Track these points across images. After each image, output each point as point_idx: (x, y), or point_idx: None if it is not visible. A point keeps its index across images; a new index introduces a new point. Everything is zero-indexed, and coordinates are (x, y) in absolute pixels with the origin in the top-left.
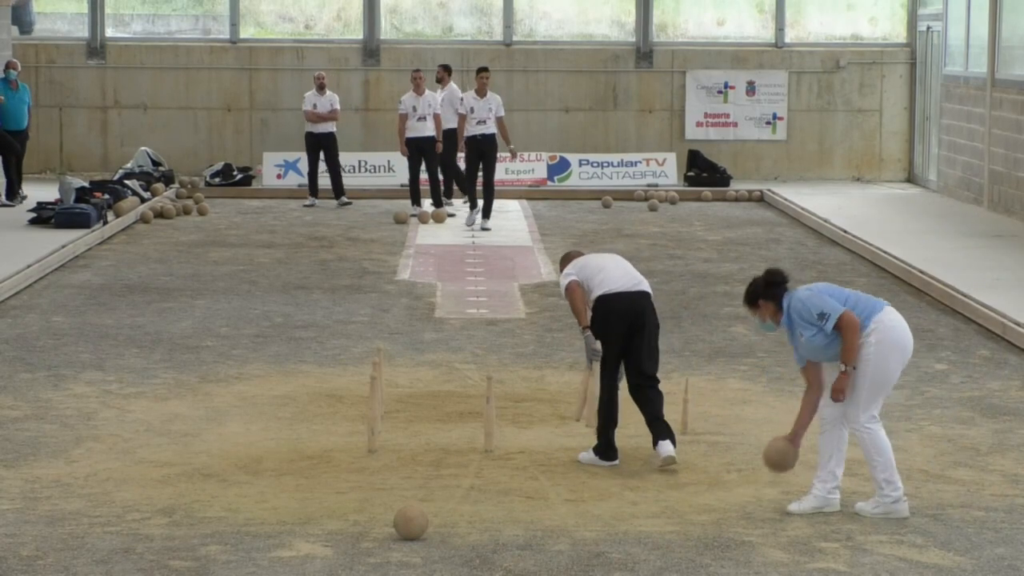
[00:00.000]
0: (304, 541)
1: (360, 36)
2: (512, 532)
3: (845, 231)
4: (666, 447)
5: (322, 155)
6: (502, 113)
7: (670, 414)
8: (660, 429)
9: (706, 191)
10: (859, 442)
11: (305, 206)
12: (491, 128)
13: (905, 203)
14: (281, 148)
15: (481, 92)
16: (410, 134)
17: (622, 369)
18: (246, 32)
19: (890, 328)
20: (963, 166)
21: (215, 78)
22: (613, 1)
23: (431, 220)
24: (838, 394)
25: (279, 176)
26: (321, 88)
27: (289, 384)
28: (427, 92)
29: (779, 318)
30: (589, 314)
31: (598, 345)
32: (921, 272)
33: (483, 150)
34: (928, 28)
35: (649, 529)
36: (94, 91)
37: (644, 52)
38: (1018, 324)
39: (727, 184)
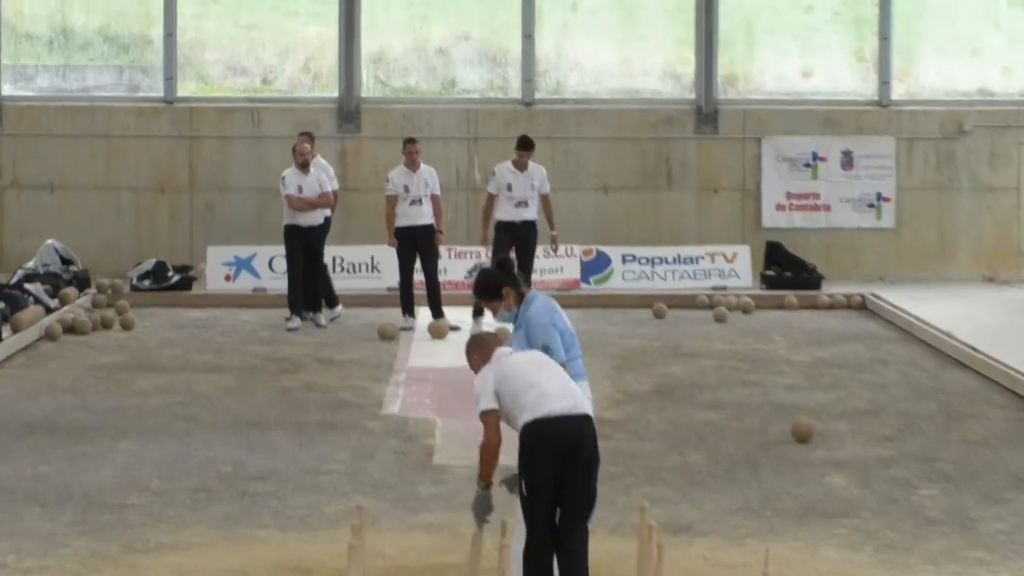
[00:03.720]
0: None
1: (335, 93)
2: None
3: (974, 349)
4: None
5: None
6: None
7: None
8: None
9: (790, 296)
10: None
11: (289, 329)
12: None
13: None
14: (231, 241)
15: (521, 167)
16: (401, 222)
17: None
18: (185, 89)
19: None
20: None
21: (144, 148)
22: (666, 47)
23: (429, 335)
24: None
25: (228, 278)
26: (304, 166)
27: (241, 555)
28: (423, 167)
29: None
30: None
31: (491, 514)
32: None
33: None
34: None
35: None
36: None
37: (707, 113)
38: None
39: (817, 287)
